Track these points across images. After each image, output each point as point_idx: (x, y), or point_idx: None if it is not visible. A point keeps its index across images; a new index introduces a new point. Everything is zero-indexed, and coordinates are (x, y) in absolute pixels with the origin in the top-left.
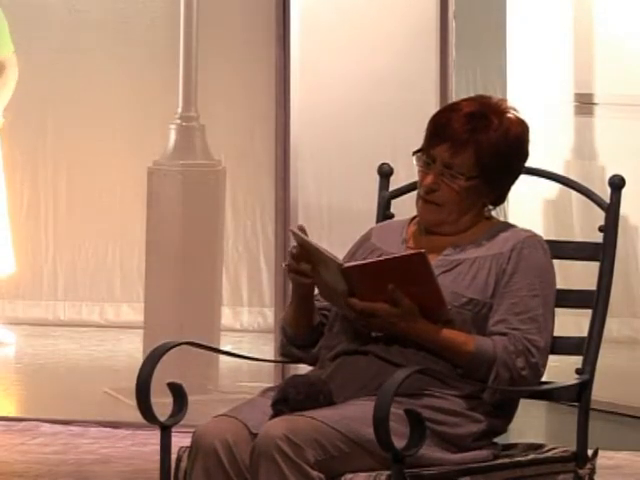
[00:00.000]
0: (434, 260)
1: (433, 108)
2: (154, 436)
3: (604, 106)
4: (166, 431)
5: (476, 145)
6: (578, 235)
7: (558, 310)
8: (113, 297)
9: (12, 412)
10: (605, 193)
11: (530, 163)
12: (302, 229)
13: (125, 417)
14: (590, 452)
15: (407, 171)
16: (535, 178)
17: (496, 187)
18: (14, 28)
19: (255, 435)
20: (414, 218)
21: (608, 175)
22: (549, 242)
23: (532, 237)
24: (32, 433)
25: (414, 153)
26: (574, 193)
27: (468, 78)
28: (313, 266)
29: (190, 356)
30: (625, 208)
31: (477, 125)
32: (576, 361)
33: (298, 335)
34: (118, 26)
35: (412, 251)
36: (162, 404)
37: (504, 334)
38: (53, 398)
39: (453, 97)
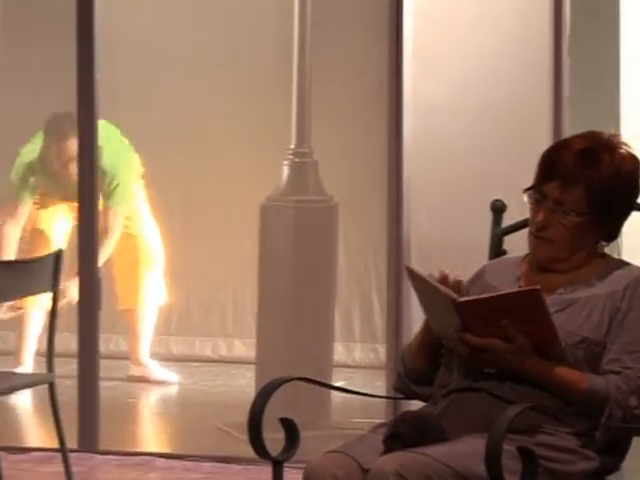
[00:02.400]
0: (548, 299)
1: (546, 144)
2: (266, 471)
3: None
4: (278, 466)
5: (587, 181)
6: None
7: None
8: (226, 332)
9: (126, 446)
10: None
11: None
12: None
13: (238, 452)
14: None
15: (520, 207)
16: None
17: (608, 223)
18: (128, 65)
19: (366, 471)
20: (527, 255)
21: None
22: None
23: None
24: (146, 467)
25: (525, 191)
26: None
27: (581, 113)
28: (427, 301)
29: (302, 392)
30: None
31: (588, 161)
32: None
33: (416, 369)
34: (231, 63)
35: (527, 287)
36: (274, 439)
37: (617, 373)
38: (166, 433)
39: (566, 133)
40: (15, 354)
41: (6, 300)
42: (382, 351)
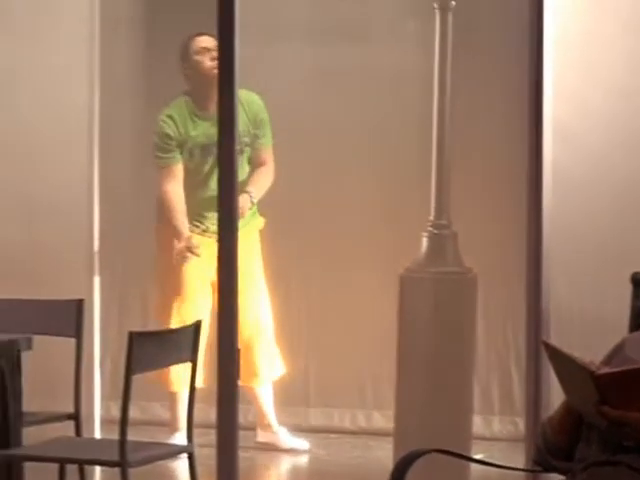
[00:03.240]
0: None
1: None
2: None
3: None
4: None
5: None
6: None
7: None
8: (364, 404)
9: None
10: None
11: None
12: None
13: None
14: None
15: None
16: None
17: None
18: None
19: None
20: None
21: None
22: None
23: None
24: None
25: None
26: None
27: None
28: (564, 374)
29: (440, 464)
30: None
31: None
32: None
33: (557, 443)
34: (372, 134)
35: None
36: None
37: None
38: None
39: None
40: (170, 423)
41: (146, 370)
42: (521, 424)
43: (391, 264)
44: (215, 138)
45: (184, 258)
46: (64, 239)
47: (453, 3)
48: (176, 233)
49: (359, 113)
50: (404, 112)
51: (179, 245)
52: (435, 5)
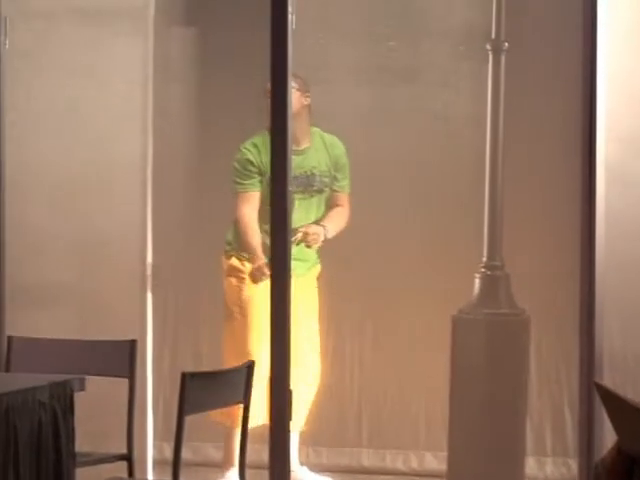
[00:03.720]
0: None
1: None
2: None
3: None
4: None
5: None
6: None
7: None
8: (417, 445)
9: None
10: None
11: None
12: None
13: None
14: None
15: None
16: None
17: None
18: None
19: None
20: None
21: None
22: None
23: None
24: None
25: None
26: None
27: None
28: (617, 417)
29: None
30: None
31: None
32: None
33: None
34: (424, 176)
35: None
36: None
37: None
38: None
39: None
40: (225, 459)
41: (199, 411)
42: (574, 466)
43: (444, 305)
44: (296, 171)
45: (262, 275)
46: (117, 280)
47: (506, 45)
48: (251, 252)
49: (412, 153)
50: (457, 152)
51: (256, 264)
52: (488, 47)
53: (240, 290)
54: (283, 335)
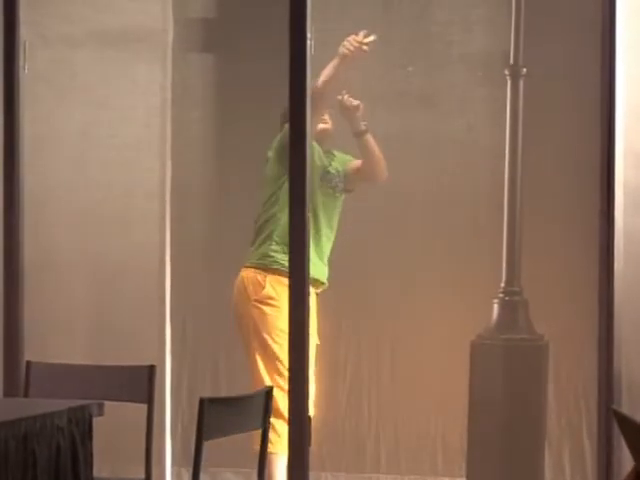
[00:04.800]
0: None
1: None
2: None
3: None
4: None
5: None
6: None
7: None
8: (436, 471)
9: None
10: None
11: None
12: None
13: None
14: None
15: None
16: None
17: None
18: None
19: None
20: None
21: None
22: None
23: None
24: None
25: None
26: None
27: None
28: (635, 444)
29: None
30: None
31: None
32: None
33: None
34: (442, 200)
35: None
36: None
37: None
38: None
39: None
40: None
41: (217, 437)
42: None
43: (462, 330)
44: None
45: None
46: (136, 306)
47: (524, 70)
48: None
49: (430, 178)
50: (475, 178)
51: None
52: (506, 72)
53: (276, 319)
54: (301, 358)
